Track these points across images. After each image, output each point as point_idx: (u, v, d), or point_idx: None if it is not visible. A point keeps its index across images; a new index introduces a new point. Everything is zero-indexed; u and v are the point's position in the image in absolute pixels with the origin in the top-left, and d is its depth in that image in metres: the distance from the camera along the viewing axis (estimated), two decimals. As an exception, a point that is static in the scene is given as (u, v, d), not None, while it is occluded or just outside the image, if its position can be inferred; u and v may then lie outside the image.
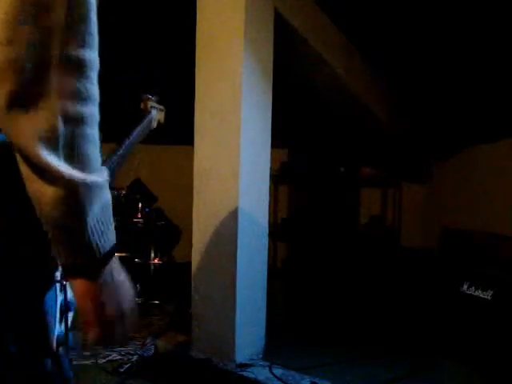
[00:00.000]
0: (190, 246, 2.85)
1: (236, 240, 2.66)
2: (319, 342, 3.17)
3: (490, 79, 3.74)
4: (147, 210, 4.29)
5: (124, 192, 4.20)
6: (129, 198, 4.19)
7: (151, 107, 1.38)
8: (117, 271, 0.73)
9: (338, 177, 5.12)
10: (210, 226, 2.76)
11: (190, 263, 2.85)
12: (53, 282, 0.78)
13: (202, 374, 2.61)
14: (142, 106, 1.38)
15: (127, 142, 1.07)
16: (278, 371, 2.60)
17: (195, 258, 2.82)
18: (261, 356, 2.85)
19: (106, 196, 0.68)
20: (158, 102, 1.47)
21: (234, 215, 2.67)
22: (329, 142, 5.22)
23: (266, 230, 2.96)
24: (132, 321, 0.77)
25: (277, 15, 2.91)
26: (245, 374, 2.56)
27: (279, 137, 3.20)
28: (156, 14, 3.43)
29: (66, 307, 0.83)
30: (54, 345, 0.78)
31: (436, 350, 2.95)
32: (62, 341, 0.81)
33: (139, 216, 4.19)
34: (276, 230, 4.83)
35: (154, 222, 4.27)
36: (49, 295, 0.77)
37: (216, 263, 2.74)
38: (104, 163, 0.92)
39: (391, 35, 3.48)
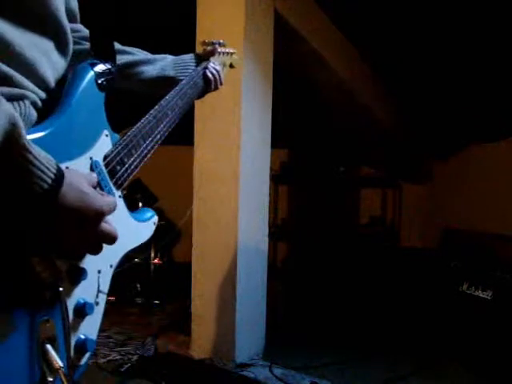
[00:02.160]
0: (190, 245, 2.85)
1: (236, 240, 2.66)
2: (319, 342, 3.17)
3: (491, 78, 3.74)
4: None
5: (124, 192, 4.20)
6: (128, 198, 4.19)
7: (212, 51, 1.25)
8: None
9: (338, 177, 5.11)
10: (210, 226, 2.76)
11: (189, 263, 2.85)
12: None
13: (202, 373, 2.61)
14: (200, 52, 1.25)
15: (157, 111, 0.94)
16: (278, 371, 2.61)
17: (195, 258, 2.82)
18: (261, 356, 2.85)
19: None
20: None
21: (233, 215, 2.67)
22: (329, 141, 5.22)
23: (266, 230, 2.96)
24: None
25: (277, 15, 2.91)
26: (245, 373, 2.56)
27: (279, 137, 3.20)
28: (156, 14, 3.43)
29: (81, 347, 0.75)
30: None
31: (436, 349, 2.95)
32: None
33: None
34: (276, 230, 4.83)
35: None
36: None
37: (216, 263, 2.74)
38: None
39: (391, 35, 3.48)
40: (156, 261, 4.24)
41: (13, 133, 0.57)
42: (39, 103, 0.75)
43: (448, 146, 5.09)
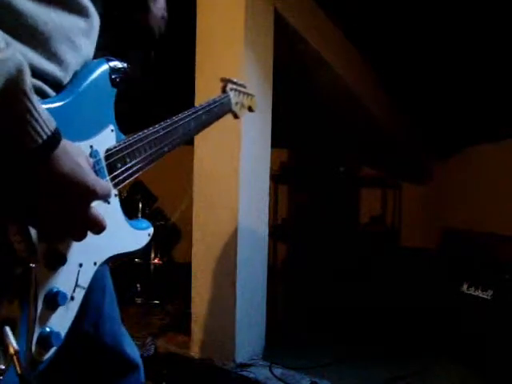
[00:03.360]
0: (190, 246, 2.85)
1: (236, 240, 2.66)
2: (319, 341, 3.17)
3: (491, 79, 3.74)
4: (147, 210, 4.29)
5: (125, 195, 4.20)
6: (129, 199, 4.19)
7: (231, 90, 1.26)
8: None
9: (338, 177, 5.12)
10: (210, 226, 2.76)
11: (189, 263, 2.85)
12: None
13: (202, 373, 2.61)
14: (221, 89, 1.26)
15: (170, 123, 0.93)
16: (278, 371, 2.60)
17: (195, 258, 2.82)
18: (261, 356, 2.85)
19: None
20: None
21: (233, 215, 2.67)
22: (329, 141, 5.22)
23: (266, 230, 2.96)
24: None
25: (277, 15, 2.91)
26: (245, 373, 2.56)
27: (279, 137, 3.20)
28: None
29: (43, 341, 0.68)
30: None
31: (436, 349, 2.95)
32: None
33: (139, 216, 4.19)
34: (276, 230, 4.83)
35: (153, 222, 4.27)
36: None
37: (216, 263, 2.74)
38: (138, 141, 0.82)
39: (391, 34, 3.48)
40: (156, 261, 4.24)
41: (17, 78, 0.56)
42: (49, 79, 0.73)
43: (448, 146, 5.09)
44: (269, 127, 2.93)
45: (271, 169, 3.03)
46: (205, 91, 2.76)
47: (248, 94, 1.36)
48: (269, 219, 3.00)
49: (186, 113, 1.02)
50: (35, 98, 0.59)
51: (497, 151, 4.44)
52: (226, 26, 2.68)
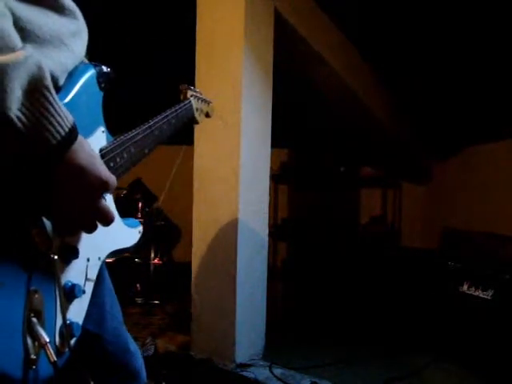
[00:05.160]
0: (190, 245, 2.85)
1: (236, 240, 2.66)
2: (319, 342, 3.17)
3: (490, 79, 3.74)
4: (147, 209, 4.29)
5: (124, 192, 4.20)
6: (129, 198, 4.19)
7: (191, 96, 1.29)
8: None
9: (338, 177, 5.12)
10: (210, 225, 2.76)
11: (190, 263, 2.85)
12: None
13: (202, 373, 2.61)
14: (181, 95, 1.29)
15: (147, 126, 0.97)
16: (278, 371, 2.60)
17: (195, 258, 2.82)
18: (261, 356, 2.85)
19: (25, 74, 0.57)
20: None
21: (234, 215, 2.67)
22: (329, 141, 5.22)
23: (266, 230, 2.96)
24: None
25: (277, 15, 2.91)
26: (245, 373, 2.56)
27: (279, 137, 3.20)
28: (156, 14, 3.43)
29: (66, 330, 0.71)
30: None
31: (436, 349, 2.95)
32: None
33: (139, 216, 4.19)
34: (276, 230, 4.83)
35: (154, 221, 4.27)
36: None
37: (216, 263, 2.74)
38: (111, 150, 0.84)
39: (391, 34, 3.48)
40: (156, 261, 4.24)
41: (39, 75, 0.59)
42: None
43: (448, 147, 5.09)
44: (269, 127, 2.93)
45: (271, 169, 3.03)
46: (204, 91, 2.76)
47: (206, 101, 1.39)
48: (269, 219, 3.00)
49: (159, 117, 1.06)
50: (55, 94, 0.61)
51: (497, 151, 4.44)
52: (226, 26, 2.68)
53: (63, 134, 0.61)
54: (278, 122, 3.03)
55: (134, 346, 1.07)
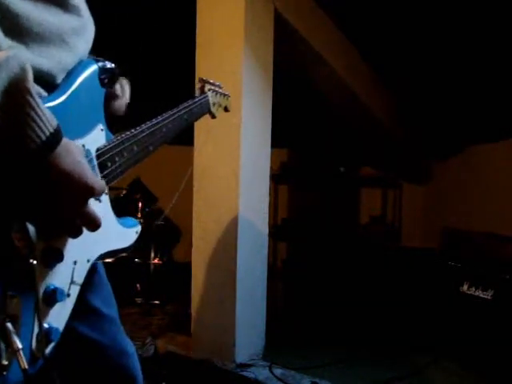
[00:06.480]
0: (190, 245, 2.85)
1: (236, 240, 2.66)
2: (319, 342, 3.17)
3: (490, 79, 3.74)
4: (147, 209, 4.29)
5: (124, 192, 4.20)
6: (129, 198, 4.18)
7: (209, 90, 1.27)
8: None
9: (338, 177, 5.11)
10: (210, 225, 2.76)
11: (189, 263, 2.85)
12: None
13: (202, 373, 2.61)
14: (197, 89, 1.27)
15: (154, 123, 0.94)
16: (278, 371, 2.60)
17: (195, 258, 2.82)
18: (261, 356, 2.85)
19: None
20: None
21: (234, 215, 2.67)
22: (329, 141, 5.22)
23: (266, 230, 2.96)
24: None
25: (277, 15, 2.91)
26: (245, 373, 2.56)
27: (279, 137, 3.20)
28: (156, 13, 3.42)
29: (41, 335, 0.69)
30: None
31: (436, 349, 2.95)
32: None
33: (139, 216, 4.18)
34: (276, 230, 4.82)
35: (153, 221, 4.27)
36: None
37: (216, 263, 2.74)
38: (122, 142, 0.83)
39: (391, 34, 3.48)
40: (156, 261, 4.23)
41: (21, 76, 0.57)
42: (42, 79, 0.73)
43: (448, 147, 5.09)
44: (269, 127, 2.93)
45: (271, 169, 3.03)
46: (205, 91, 2.76)
47: (224, 95, 1.36)
48: (269, 219, 3.00)
49: (169, 113, 1.03)
50: (38, 97, 0.59)
51: (497, 151, 4.44)
52: (226, 26, 2.68)
53: (43, 138, 0.59)
54: (278, 122, 3.03)
55: (131, 347, 1.05)
